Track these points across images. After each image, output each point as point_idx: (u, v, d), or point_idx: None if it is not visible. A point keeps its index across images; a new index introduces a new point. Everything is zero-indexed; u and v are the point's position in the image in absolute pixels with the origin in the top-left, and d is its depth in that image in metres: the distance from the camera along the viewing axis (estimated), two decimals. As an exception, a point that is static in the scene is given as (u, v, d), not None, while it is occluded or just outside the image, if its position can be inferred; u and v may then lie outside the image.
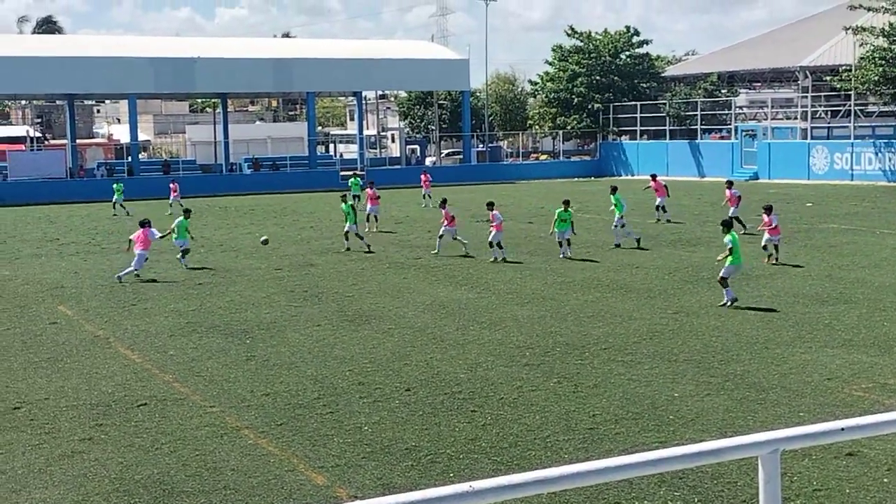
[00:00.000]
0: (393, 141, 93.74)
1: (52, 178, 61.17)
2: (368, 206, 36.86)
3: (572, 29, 79.52)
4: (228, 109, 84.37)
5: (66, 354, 17.25)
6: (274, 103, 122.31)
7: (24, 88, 67.72)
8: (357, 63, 70.55)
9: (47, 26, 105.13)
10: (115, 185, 48.91)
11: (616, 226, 30.89)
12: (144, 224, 26.27)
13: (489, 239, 28.04)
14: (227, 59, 67.51)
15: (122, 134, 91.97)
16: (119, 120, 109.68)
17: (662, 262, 26.80)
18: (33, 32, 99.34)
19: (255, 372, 15.73)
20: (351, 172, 61.64)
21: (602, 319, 19.16)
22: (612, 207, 31.46)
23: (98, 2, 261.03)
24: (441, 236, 29.26)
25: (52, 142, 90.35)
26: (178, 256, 28.11)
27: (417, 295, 22.55)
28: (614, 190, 32.37)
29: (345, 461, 11.45)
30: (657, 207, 37.46)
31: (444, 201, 30.24)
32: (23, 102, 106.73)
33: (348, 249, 30.59)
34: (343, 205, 31.81)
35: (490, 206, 28.67)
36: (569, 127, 78.27)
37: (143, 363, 16.53)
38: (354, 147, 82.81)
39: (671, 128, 71.89)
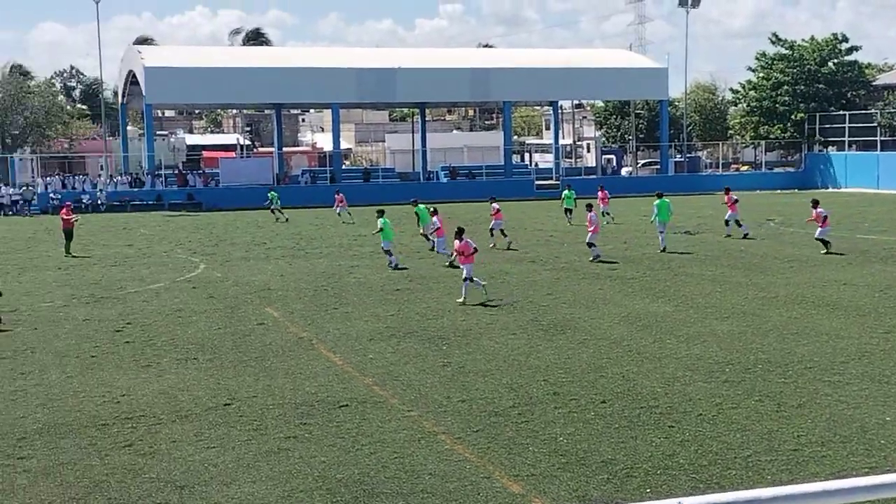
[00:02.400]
0: (589, 150, 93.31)
1: (260, 184, 63.79)
2: (493, 220, 36.25)
3: (776, 36, 77.17)
4: (426, 118, 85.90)
5: (273, 354, 17.96)
6: (471, 112, 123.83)
7: (235, 98, 71.07)
8: (553, 72, 70.58)
9: (256, 39, 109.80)
10: (269, 194, 51.82)
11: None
12: (461, 232, 24.66)
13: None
14: (426, 69, 68.83)
15: (325, 142, 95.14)
16: (322, 128, 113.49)
17: (873, 279, 25.60)
18: (243, 44, 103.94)
19: (451, 378, 15.95)
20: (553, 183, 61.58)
21: (807, 337, 18.46)
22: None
23: (305, 15, 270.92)
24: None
25: (261, 149, 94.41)
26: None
27: (613, 306, 22.34)
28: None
29: (540, 471, 11.45)
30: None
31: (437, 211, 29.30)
32: (234, 112, 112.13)
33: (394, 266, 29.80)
34: (380, 219, 30.75)
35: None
36: (772, 137, 75.88)
37: (344, 366, 17.02)
38: (550, 156, 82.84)
39: (883, 138, 68.59)
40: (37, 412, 14.30)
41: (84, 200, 60.04)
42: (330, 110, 74.62)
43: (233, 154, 79.76)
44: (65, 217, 35.68)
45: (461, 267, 23.98)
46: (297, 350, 18.34)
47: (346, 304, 23.48)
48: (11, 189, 62.61)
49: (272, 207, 51.37)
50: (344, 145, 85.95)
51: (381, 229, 30.45)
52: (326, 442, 12.69)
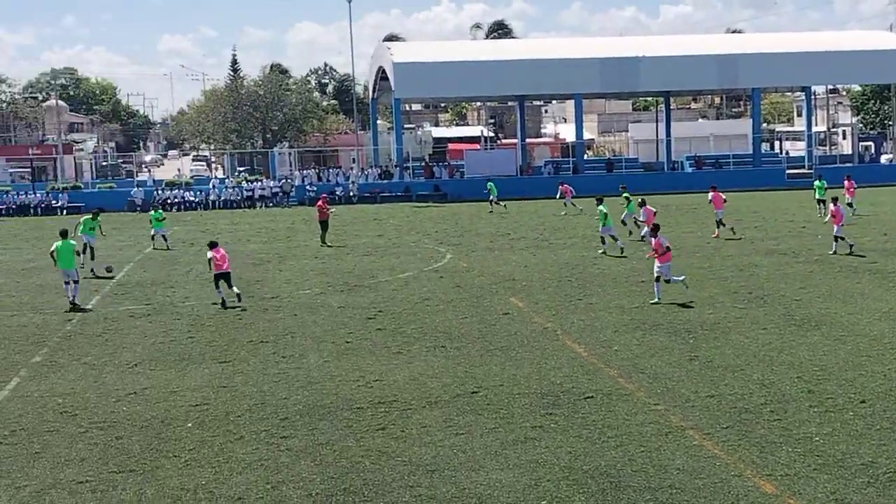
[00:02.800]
0: (844, 137, 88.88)
1: (503, 175, 64.43)
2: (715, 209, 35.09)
3: None
4: (671, 107, 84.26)
5: (518, 344, 18.17)
6: (717, 100, 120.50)
7: (480, 91, 72.28)
8: (805, 56, 67.58)
9: (499, 31, 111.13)
10: (488, 184, 52.98)
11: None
12: (657, 228, 23.74)
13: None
14: (670, 56, 67.47)
15: (567, 133, 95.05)
16: (565, 119, 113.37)
17: None
18: (486, 37, 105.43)
19: (698, 372, 15.64)
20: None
21: None
22: None
23: (547, 5, 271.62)
24: None
25: (504, 141, 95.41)
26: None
27: (872, 301, 21.21)
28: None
29: (794, 471, 11.06)
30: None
31: None
32: (478, 104, 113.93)
33: (603, 253, 30.77)
34: (600, 206, 31.91)
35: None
36: None
37: (589, 357, 17.01)
38: (802, 144, 79.49)
39: None
40: (298, 394, 15.09)
41: (337, 192, 62.66)
42: (572, 101, 74.49)
43: (477, 146, 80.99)
44: (321, 208, 37.41)
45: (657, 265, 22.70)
46: (541, 340, 18.48)
47: (590, 294, 23.42)
48: (271, 182, 66.20)
49: (491, 198, 51.89)
50: (587, 136, 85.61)
51: (605, 215, 31.13)
52: (572, 433, 12.74)
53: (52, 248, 24.04)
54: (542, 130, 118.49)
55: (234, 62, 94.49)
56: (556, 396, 14.50)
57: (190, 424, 13.66)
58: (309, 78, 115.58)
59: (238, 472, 11.67)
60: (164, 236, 37.82)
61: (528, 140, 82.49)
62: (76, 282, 23.97)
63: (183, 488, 11.20)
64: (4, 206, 61.04)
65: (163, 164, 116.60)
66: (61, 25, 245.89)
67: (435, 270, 28.71)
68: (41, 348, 19.06)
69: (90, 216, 32.75)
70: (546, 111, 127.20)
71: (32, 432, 13.44)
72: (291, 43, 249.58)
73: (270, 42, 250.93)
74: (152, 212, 40.32)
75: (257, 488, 11.13)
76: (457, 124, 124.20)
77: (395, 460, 11.91)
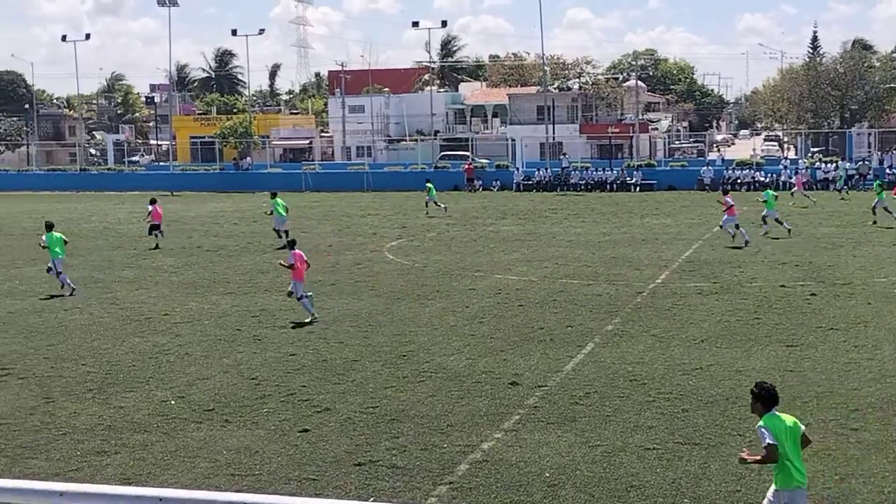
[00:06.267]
0: None
1: None
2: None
3: None
4: None
5: None
6: None
7: None
8: None
9: None
10: None
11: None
12: None
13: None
14: None
15: None
16: None
17: None
18: None
19: None
20: None
21: None
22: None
23: None
24: None
25: None
26: None
27: None
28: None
29: None
30: None
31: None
32: None
33: None
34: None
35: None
36: None
37: None
38: None
39: None
40: (870, 386, 14.36)
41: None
42: None
43: None
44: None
45: None
46: None
47: None
48: (847, 164, 63.21)
49: None
50: None
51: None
52: None
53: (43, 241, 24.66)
54: None
55: (814, 39, 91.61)
56: None
57: (755, 405, 13.54)
58: (895, 55, 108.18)
59: (804, 460, 11.37)
60: (435, 202, 44.65)
61: None
62: (58, 273, 24.08)
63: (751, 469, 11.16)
64: (583, 182, 64.88)
65: (733, 144, 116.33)
66: (646, 8, 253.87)
67: None
68: (614, 317, 20.06)
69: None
70: None
71: (605, 396, 14.22)
72: (878, 17, 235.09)
73: (855, 17, 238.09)
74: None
75: (824, 478, 10.81)
76: None
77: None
